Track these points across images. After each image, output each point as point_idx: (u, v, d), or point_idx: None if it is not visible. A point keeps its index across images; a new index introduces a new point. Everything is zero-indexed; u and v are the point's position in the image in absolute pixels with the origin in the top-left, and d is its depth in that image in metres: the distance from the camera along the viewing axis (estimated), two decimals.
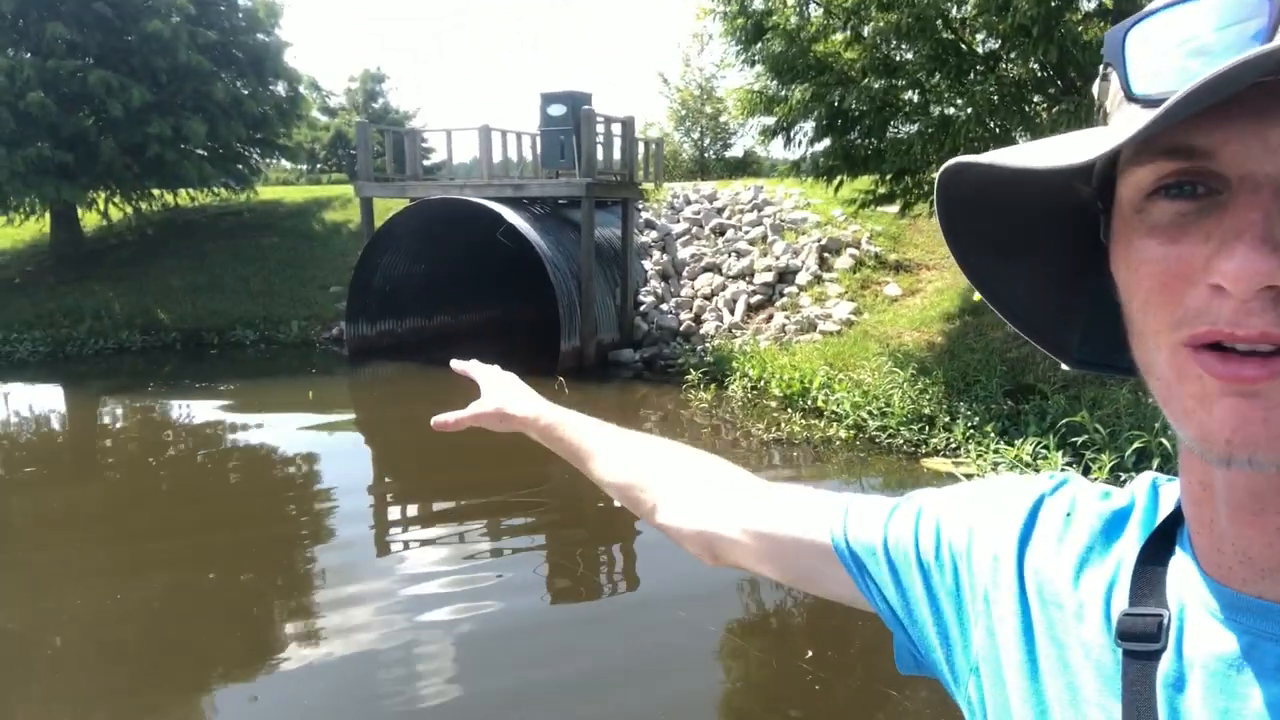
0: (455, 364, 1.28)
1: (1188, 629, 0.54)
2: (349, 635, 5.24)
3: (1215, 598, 0.54)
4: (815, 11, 10.16)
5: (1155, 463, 6.69)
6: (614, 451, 1.04)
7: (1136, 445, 6.91)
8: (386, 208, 15.76)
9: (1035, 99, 9.38)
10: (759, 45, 10.30)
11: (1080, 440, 7.38)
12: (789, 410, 10.15)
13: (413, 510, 7.92)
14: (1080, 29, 9.05)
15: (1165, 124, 0.40)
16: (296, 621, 5.52)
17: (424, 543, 6.92)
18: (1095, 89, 0.52)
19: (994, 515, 0.68)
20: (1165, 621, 0.55)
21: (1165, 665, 0.54)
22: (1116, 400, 7.79)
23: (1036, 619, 0.62)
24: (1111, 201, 0.51)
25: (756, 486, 0.91)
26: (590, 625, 5.65)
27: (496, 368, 1.23)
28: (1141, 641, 0.55)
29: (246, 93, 18.94)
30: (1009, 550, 0.66)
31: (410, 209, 13.84)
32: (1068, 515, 0.65)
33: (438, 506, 7.89)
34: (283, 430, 10.45)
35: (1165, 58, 0.45)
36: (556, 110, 14.36)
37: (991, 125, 9.15)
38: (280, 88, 20.17)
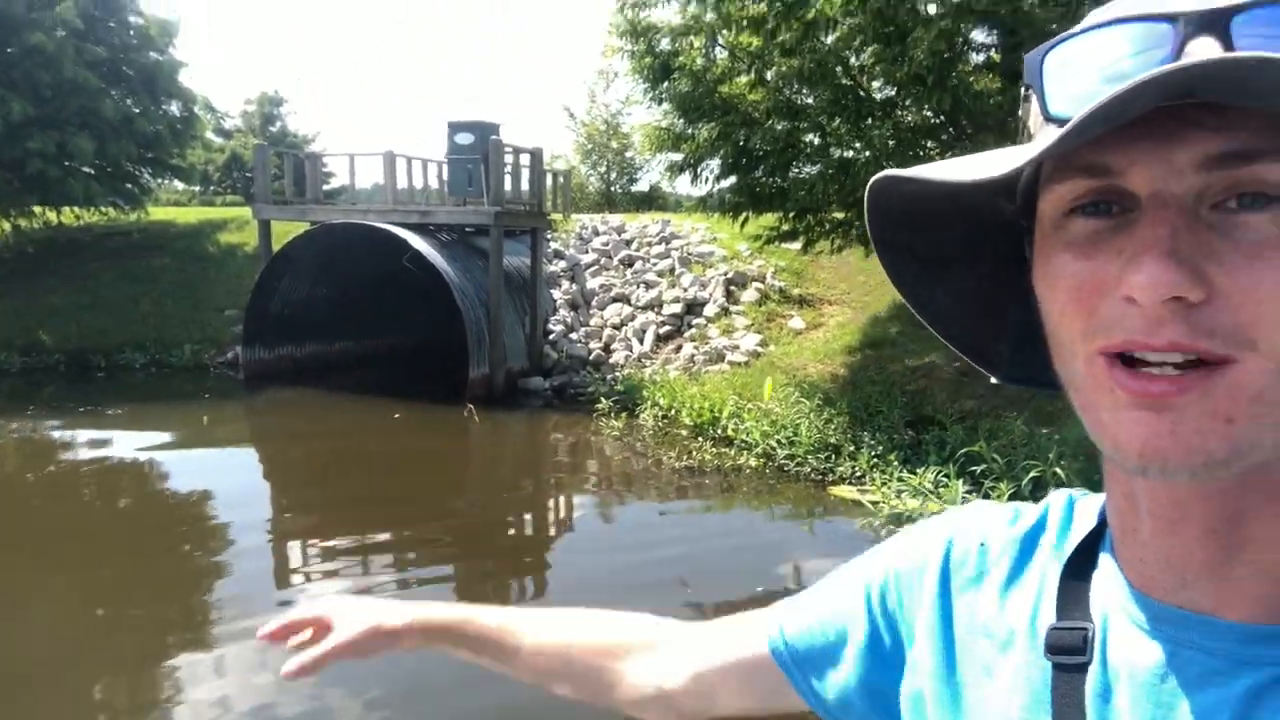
0: (288, 668, 0.92)
1: (1113, 640, 0.56)
2: (246, 676, 4.99)
3: (1139, 608, 0.55)
4: (721, 54, 10.39)
5: (1050, 490, 6.99)
6: (539, 643, 0.93)
7: (1032, 474, 7.22)
8: (285, 231, 15.32)
9: (929, 144, 9.81)
10: (666, 84, 10.47)
11: (979, 469, 7.67)
12: (700, 439, 10.26)
13: (314, 540, 7.62)
14: (971, 79, 9.56)
15: (1069, 143, 0.42)
16: (190, 660, 5.23)
17: (326, 575, 6.68)
18: (1021, 111, 0.54)
19: (911, 568, 0.69)
20: (1091, 634, 0.56)
21: (1093, 677, 0.55)
22: (1012, 431, 8.14)
23: (966, 655, 0.63)
24: (1034, 219, 0.53)
25: (692, 632, 0.88)
26: None
27: (335, 600, 0.99)
28: (1069, 654, 0.56)
29: (138, 111, 18.24)
30: (930, 597, 0.67)
31: (311, 233, 13.48)
32: (981, 546, 0.66)
33: (340, 537, 7.60)
34: (174, 457, 9.99)
35: (1080, 81, 0.47)
36: (464, 139, 14.31)
37: (888, 168, 9.49)
38: (174, 107, 19.49)
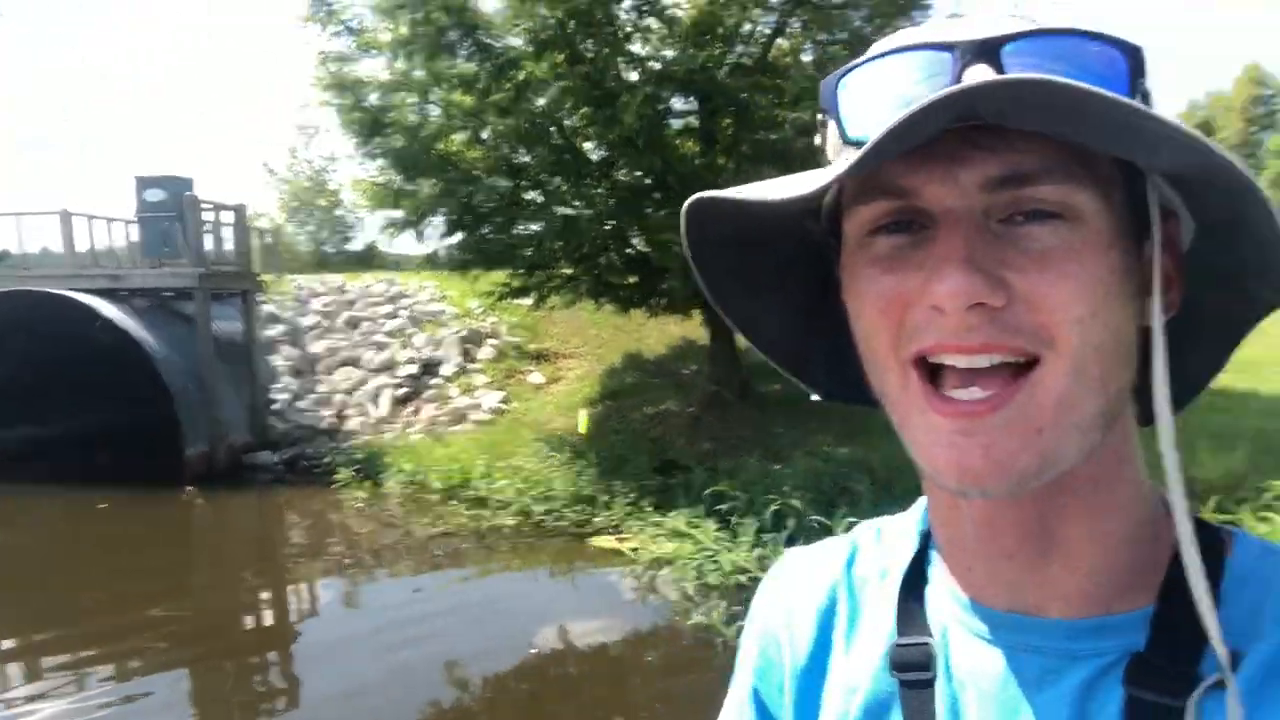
0: None
1: (955, 653, 0.57)
2: None
3: (975, 618, 0.57)
4: (434, 111, 10.26)
5: (791, 522, 7.63)
6: None
7: (773, 508, 7.85)
8: None
9: (646, 204, 10.12)
10: (379, 139, 10.20)
11: (725, 507, 8.22)
12: (452, 501, 10.07)
13: (14, 662, 6.63)
14: (677, 143, 10.29)
15: (865, 165, 0.44)
16: None
17: (32, 699, 5.81)
18: (818, 138, 0.57)
19: (758, 638, 0.71)
20: (932, 649, 0.58)
21: (941, 691, 0.57)
22: (749, 468, 8.82)
23: (822, 701, 0.64)
24: (841, 239, 0.56)
25: None
26: None
27: None
28: (915, 671, 0.58)
29: None
30: (778, 657, 0.69)
31: None
32: (789, 630, 0.68)
33: (47, 653, 6.65)
34: None
35: (872, 105, 0.50)
36: (154, 195, 13.23)
37: (611, 226, 9.96)
38: None
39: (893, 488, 7.53)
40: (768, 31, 10.08)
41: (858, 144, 0.48)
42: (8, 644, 6.95)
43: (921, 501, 0.66)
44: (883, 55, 0.51)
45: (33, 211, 13.86)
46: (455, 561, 8.55)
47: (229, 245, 13.81)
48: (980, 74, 0.46)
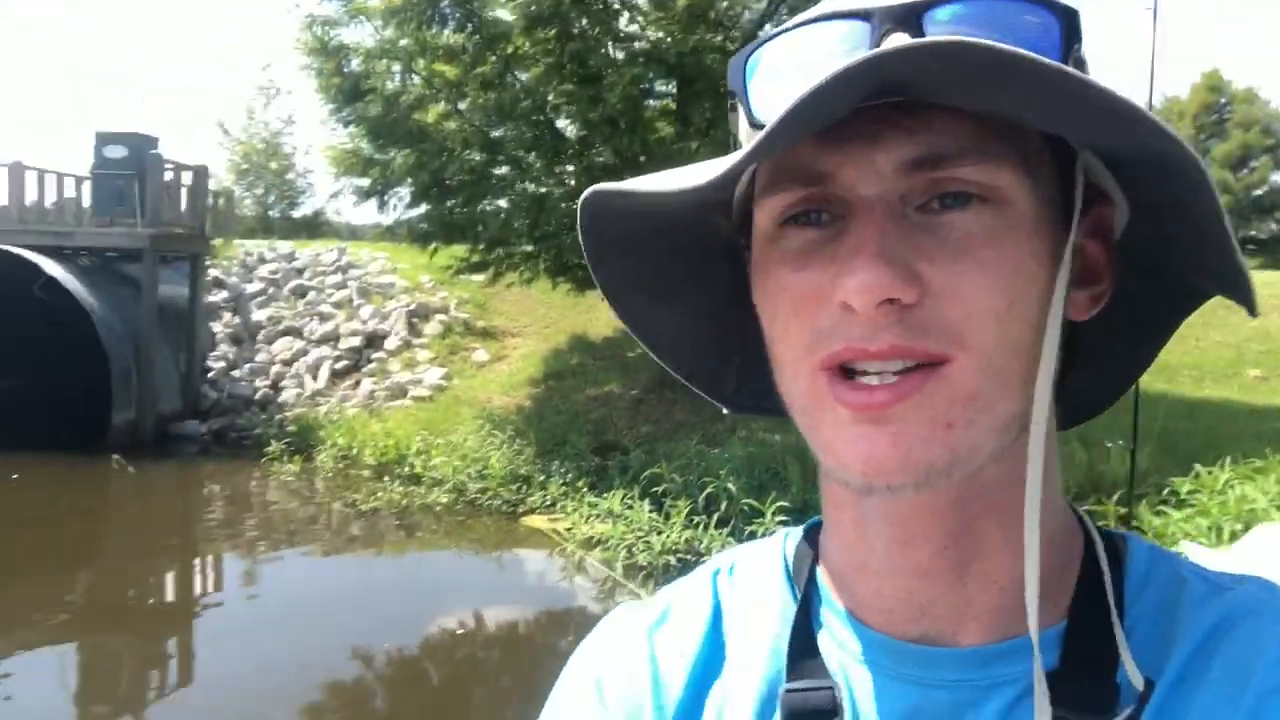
0: None
1: (859, 694, 0.51)
2: None
3: (881, 653, 0.52)
4: (415, 81, 10.22)
5: (723, 504, 7.58)
6: None
7: (708, 490, 7.78)
8: None
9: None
10: (356, 106, 10.14)
11: (661, 489, 8.13)
12: (385, 478, 9.86)
13: None
14: (656, 124, 10.23)
15: (770, 147, 0.40)
16: None
17: None
18: (730, 122, 0.52)
19: (615, 705, 0.58)
20: (838, 694, 0.51)
21: None
22: (687, 452, 8.72)
23: None
24: (752, 235, 0.51)
25: None
26: None
27: None
28: (817, 718, 0.51)
29: None
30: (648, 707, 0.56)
31: None
32: (663, 628, 0.59)
33: None
34: None
35: (783, 84, 0.45)
36: (115, 152, 12.82)
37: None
38: None
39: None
40: (756, 18, 10.01)
41: (763, 127, 0.42)
42: None
43: (780, 533, 0.62)
44: (794, 28, 0.47)
45: None
46: (377, 540, 8.38)
47: (183, 207, 13.47)
48: (900, 42, 0.41)
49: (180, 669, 6.12)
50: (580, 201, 0.51)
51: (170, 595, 7.55)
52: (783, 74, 0.46)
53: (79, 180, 14.12)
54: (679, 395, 10.61)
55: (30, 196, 13.47)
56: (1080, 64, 0.44)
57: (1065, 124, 0.43)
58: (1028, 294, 0.45)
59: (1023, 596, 0.47)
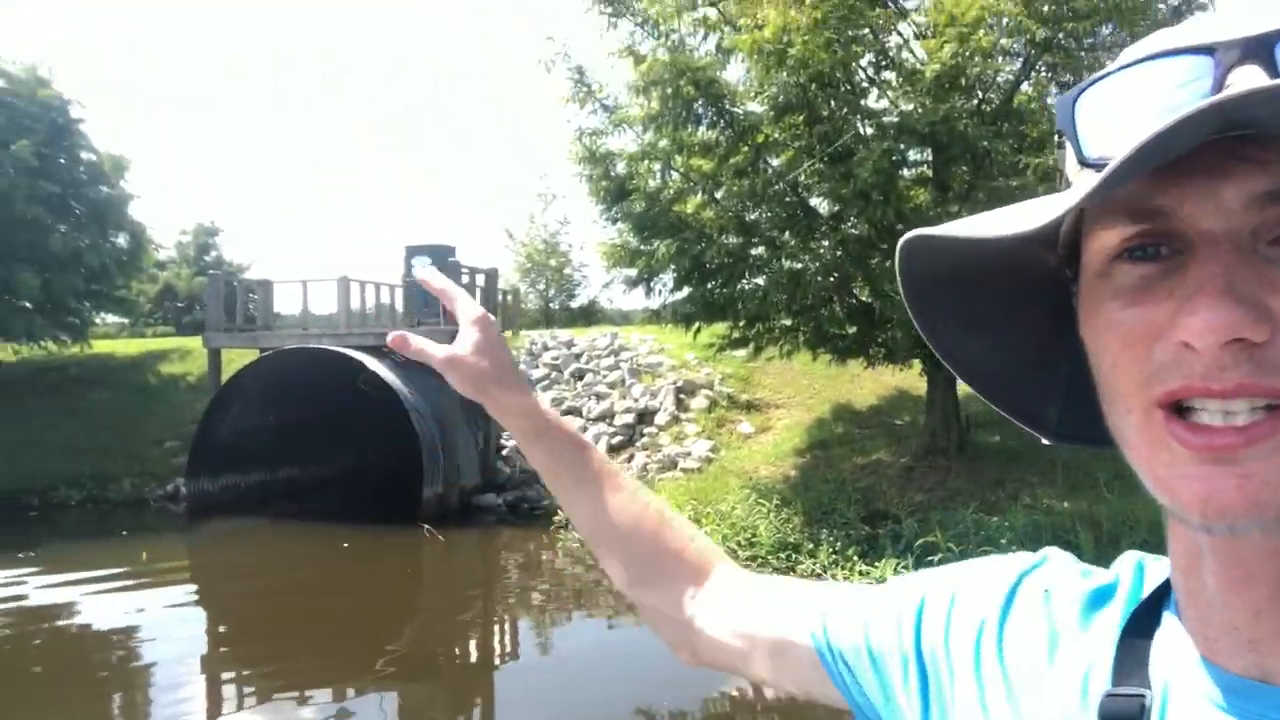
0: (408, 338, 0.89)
1: (1172, 711, 0.51)
2: None
3: (1205, 677, 0.50)
4: (674, 176, 10.94)
5: None
6: (611, 499, 0.89)
7: None
8: (230, 360, 15.32)
9: (873, 256, 10.09)
10: (622, 205, 10.92)
11: (936, 559, 7.91)
12: None
13: (248, 675, 7.31)
14: (910, 193, 10.23)
15: (1109, 188, 0.40)
16: None
17: (254, 710, 6.47)
18: (1056, 159, 0.53)
19: (974, 595, 0.64)
20: (1148, 702, 0.51)
21: None
22: (963, 520, 8.44)
23: (1011, 700, 0.58)
24: (1079, 269, 0.51)
25: (741, 580, 0.85)
26: None
27: (490, 319, 0.91)
28: None
29: (85, 244, 18.34)
30: (991, 629, 0.62)
31: (264, 359, 13.55)
32: (1046, 593, 0.61)
33: (276, 673, 7.31)
34: (107, 600, 9.38)
35: (1115, 122, 0.45)
36: (421, 262, 14.64)
37: (835, 278, 10.04)
38: (121, 239, 19.65)
39: (1119, 542, 6.96)
40: (1011, 78, 9.89)
41: (1097, 166, 0.45)
42: (245, 662, 7.74)
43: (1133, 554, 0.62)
44: (1130, 65, 0.45)
45: (316, 279, 15.84)
46: None
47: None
48: (1248, 77, 0.41)
49: (495, 707, 6.73)
50: (899, 244, 0.53)
51: (474, 650, 8.29)
52: (1116, 113, 0.45)
53: (392, 289, 16.29)
54: (953, 462, 10.28)
55: (354, 304, 15.73)
56: None
57: None
58: None
59: None
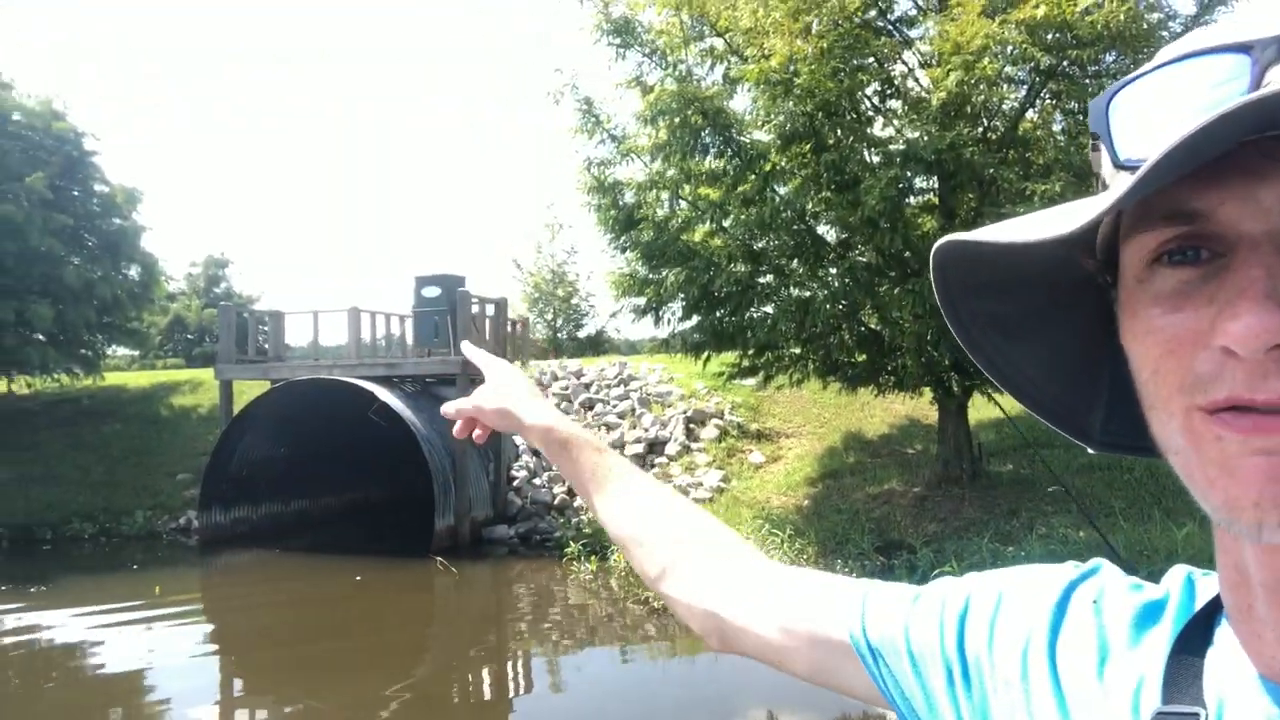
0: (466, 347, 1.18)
1: None
2: None
3: (1263, 695, 0.48)
4: (682, 205, 11.02)
5: None
6: (630, 496, 0.93)
7: None
8: (242, 391, 15.38)
9: (881, 283, 10.09)
10: (630, 234, 10.99)
11: None
12: None
13: (260, 711, 7.27)
14: (918, 220, 10.27)
15: (1144, 190, 0.39)
16: None
17: None
18: (1092, 160, 0.52)
19: (1022, 602, 0.63)
20: None
21: None
22: (979, 550, 8.37)
23: (1061, 712, 0.56)
24: (1117, 273, 0.50)
25: (773, 571, 0.85)
26: None
27: (502, 363, 1.11)
28: None
29: (98, 276, 18.49)
30: (1040, 637, 0.60)
31: (276, 389, 13.59)
32: (1095, 604, 0.60)
33: (289, 706, 7.29)
34: (120, 633, 9.40)
35: (1150, 123, 0.44)
36: (431, 292, 14.77)
37: (844, 305, 10.04)
38: (134, 271, 19.81)
39: (1136, 572, 6.84)
40: (1016, 106, 9.93)
41: (1130, 167, 0.44)
42: (258, 696, 7.73)
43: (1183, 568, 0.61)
44: (1165, 65, 0.45)
45: (327, 309, 15.84)
46: (669, 638, 8.66)
47: (487, 335, 15.18)
48: None
49: None
50: (933, 250, 0.52)
51: (488, 683, 8.23)
52: (1150, 113, 0.45)
53: (402, 319, 16.34)
54: (966, 491, 10.21)
55: (365, 335, 15.77)
56: None
57: None
58: None
59: None
